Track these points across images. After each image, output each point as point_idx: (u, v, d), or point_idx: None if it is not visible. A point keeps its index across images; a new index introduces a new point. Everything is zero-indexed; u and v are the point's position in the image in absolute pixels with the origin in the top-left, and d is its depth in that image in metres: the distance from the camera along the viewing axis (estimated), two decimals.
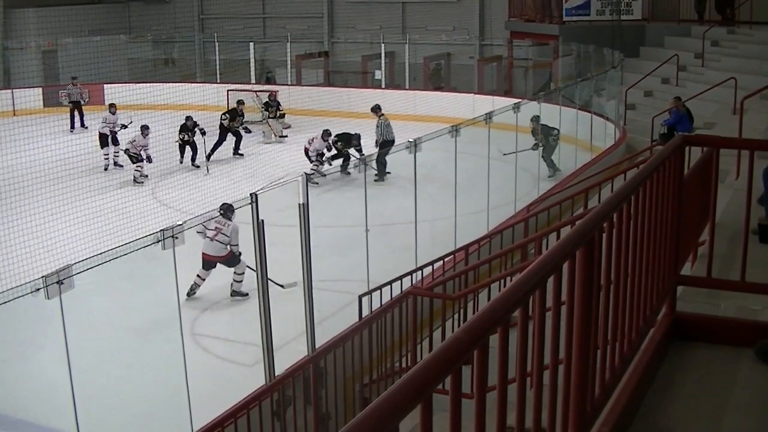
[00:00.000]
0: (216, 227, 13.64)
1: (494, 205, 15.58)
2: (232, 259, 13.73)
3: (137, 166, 21.84)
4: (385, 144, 21.09)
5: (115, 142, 23.46)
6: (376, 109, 22.68)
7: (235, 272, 13.75)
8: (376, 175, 19.58)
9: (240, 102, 25.27)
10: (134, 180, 21.70)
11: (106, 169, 22.98)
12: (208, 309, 13.23)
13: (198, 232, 13.30)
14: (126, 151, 21.98)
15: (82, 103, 29.57)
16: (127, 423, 9.93)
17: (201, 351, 11.73)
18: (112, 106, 24.42)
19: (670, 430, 3.86)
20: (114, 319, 12.45)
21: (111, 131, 23.56)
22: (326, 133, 22.21)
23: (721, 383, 4.31)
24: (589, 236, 3.21)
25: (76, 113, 29.20)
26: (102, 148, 23.32)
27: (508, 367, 2.53)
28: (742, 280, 5.01)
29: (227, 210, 13.61)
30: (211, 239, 13.64)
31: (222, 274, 14.13)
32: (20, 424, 9.90)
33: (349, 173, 20.09)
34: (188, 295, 13.41)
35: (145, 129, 22.05)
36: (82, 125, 28.96)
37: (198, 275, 13.65)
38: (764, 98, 15.40)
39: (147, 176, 21.97)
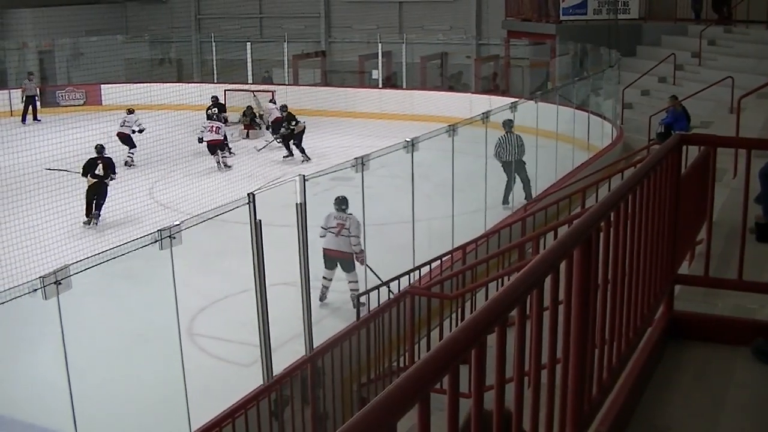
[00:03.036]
0: (338, 223, 13.07)
1: (492, 204, 15.59)
2: (351, 263, 13.03)
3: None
4: (508, 165, 17.80)
5: (131, 144, 24.11)
6: (505, 125, 17.97)
7: (349, 280, 13.11)
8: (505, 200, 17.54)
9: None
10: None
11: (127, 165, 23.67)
12: (206, 309, 13.21)
13: (321, 236, 12.90)
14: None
15: (37, 98, 30.49)
16: (124, 423, 9.92)
17: (199, 351, 11.72)
18: (130, 111, 25.00)
19: (667, 429, 3.87)
20: (111, 320, 12.43)
21: (129, 132, 24.30)
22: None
23: (719, 382, 4.31)
24: (586, 235, 3.21)
25: (30, 107, 30.15)
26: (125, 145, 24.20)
27: (505, 366, 2.53)
28: (740, 279, 5.01)
29: (343, 203, 13.24)
30: (336, 235, 13.03)
31: (219, 273, 14.14)
32: (17, 425, 9.88)
33: None
34: (320, 300, 12.95)
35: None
36: (35, 119, 29.87)
37: (324, 277, 13.05)
38: (761, 97, 15.40)
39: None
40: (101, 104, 31.84)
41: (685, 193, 4.84)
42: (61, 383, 8.15)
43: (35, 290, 7.62)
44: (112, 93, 30.53)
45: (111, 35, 36.51)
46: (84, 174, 18.21)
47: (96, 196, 18.01)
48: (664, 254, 4.55)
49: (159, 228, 8.96)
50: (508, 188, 17.62)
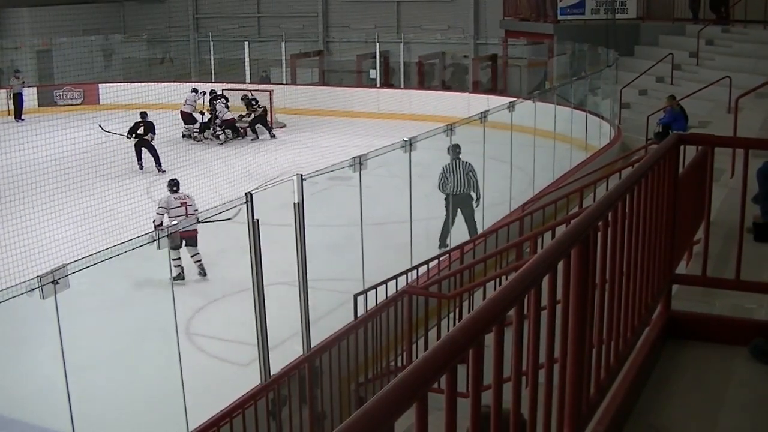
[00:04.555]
0: (182, 203, 14.45)
1: (489, 204, 15.57)
2: (194, 239, 14.13)
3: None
4: (453, 199, 15.29)
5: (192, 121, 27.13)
6: (450, 151, 15.27)
7: (193, 254, 14.28)
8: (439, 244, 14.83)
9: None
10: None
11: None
12: (204, 308, 13.21)
13: (158, 214, 14.57)
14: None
15: (24, 96, 30.75)
16: (122, 422, 9.93)
17: (196, 350, 11.72)
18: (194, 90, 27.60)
19: (665, 428, 3.87)
20: (109, 319, 12.43)
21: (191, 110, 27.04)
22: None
23: (716, 382, 4.31)
24: (584, 235, 3.21)
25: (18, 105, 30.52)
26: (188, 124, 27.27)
27: (503, 366, 2.53)
28: (737, 279, 5.01)
29: (175, 185, 15.04)
30: (186, 215, 14.20)
31: (216, 272, 14.15)
32: (15, 424, 9.88)
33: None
34: (179, 278, 13.87)
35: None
36: (20, 117, 30.04)
37: (175, 259, 13.86)
38: (759, 97, 15.41)
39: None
40: (99, 104, 31.83)
41: (682, 192, 4.84)
42: (59, 382, 8.14)
43: (33, 290, 7.60)
44: (110, 92, 30.51)
45: (109, 34, 36.51)
46: (128, 135, 22.93)
47: (145, 150, 22.89)
48: (662, 254, 4.55)
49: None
50: (447, 228, 15.12)
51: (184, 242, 13.96)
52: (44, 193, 17.32)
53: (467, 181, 15.21)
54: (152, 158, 22.97)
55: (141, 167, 23.08)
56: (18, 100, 30.25)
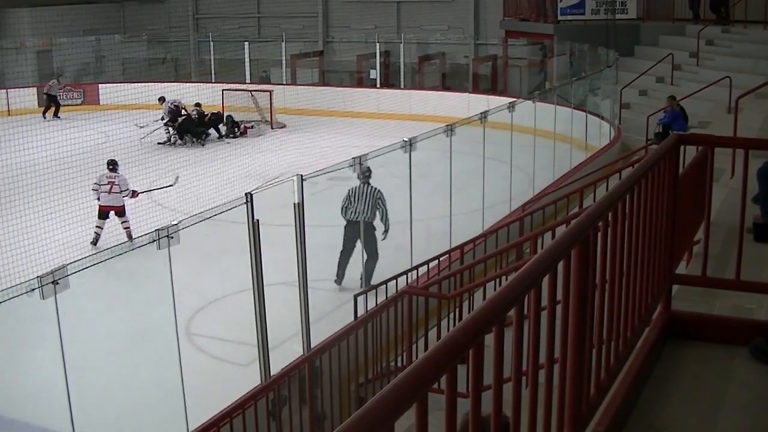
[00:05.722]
0: (109, 182, 16.47)
1: (489, 204, 15.56)
2: (122, 212, 16.59)
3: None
4: (353, 227, 13.71)
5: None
6: (361, 174, 13.34)
7: (122, 221, 16.52)
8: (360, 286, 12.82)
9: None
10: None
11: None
12: (204, 308, 13.21)
13: (93, 190, 16.56)
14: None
15: (59, 98, 31.17)
16: (122, 422, 9.92)
17: (196, 351, 11.71)
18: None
19: (665, 428, 3.86)
20: (109, 319, 12.42)
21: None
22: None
23: (716, 382, 4.31)
24: (584, 235, 3.21)
25: (52, 106, 30.92)
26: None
27: (503, 366, 2.53)
28: (737, 279, 5.01)
29: (110, 164, 16.86)
30: (109, 192, 16.40)
31: (216, 272, 14.15)
32: (15, 424, 9.87)
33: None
34: (93, 244, 15.68)
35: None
36: (56, 116, 30.46)
37: (98, 226, 16.31)
38: (759, 97, 15.40)
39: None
40: (99, 104, 31.85)
41: (682, 193, 4.84)
42: (59, 383, 8.14)
43: (33, 290, 7.60)
44: (110, 92, 30.53)
45: (109, 35, 36.52)
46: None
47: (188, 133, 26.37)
48: (662, 254, 4.55)
49: (157, 228, 8.95)
50: (344, 260, 13.65)
51: (113, 213, 16.50)
52: (44, 193, 17.31)
53: (372, 209, 13.55)
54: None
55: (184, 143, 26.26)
56: (53, 101, 30.72)
